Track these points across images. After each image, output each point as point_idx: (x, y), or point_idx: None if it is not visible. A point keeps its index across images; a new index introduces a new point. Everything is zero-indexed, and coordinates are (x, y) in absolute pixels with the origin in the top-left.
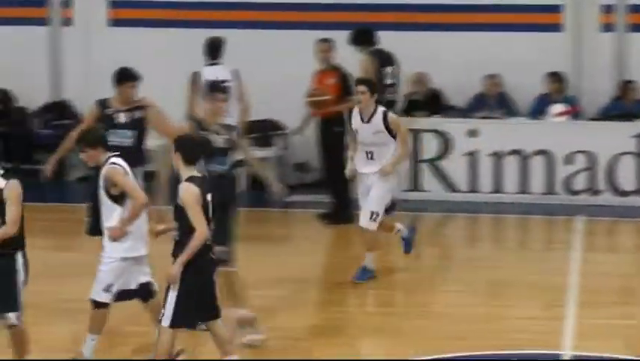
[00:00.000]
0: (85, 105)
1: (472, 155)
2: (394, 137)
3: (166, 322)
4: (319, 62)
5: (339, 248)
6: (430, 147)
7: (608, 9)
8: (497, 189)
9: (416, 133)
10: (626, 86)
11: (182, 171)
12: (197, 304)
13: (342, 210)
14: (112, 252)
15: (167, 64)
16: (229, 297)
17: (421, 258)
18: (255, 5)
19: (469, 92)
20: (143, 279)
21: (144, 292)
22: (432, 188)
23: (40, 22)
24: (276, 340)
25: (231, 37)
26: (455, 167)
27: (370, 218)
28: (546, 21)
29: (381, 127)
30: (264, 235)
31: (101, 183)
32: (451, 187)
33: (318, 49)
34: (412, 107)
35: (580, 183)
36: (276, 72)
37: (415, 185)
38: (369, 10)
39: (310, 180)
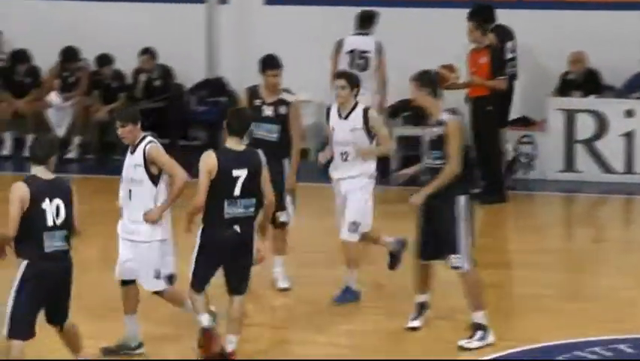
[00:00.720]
0: (240, 83)
1: (628, 136)
2: (372, 137)
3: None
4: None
5: (490, 228)
6: (585, 127)
7: None
8: None
9: (571, 113)
10: None
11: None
12: (205, 270)
13: (495, 189)
14: (151, 236)
15: (321, 42)
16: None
17: (575, 239)
18: None
19: (626, 72)
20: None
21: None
22: (586, 169)
23: None
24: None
25: (389, 15)
26: (611, 148)
27: (350, 229)
28: None
29: (360, 124)
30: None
31: (140, 161)
32: (606, 168)
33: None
34: (567, 87)
35: None
36: (429, 51)
37: (570, 166)
38: None
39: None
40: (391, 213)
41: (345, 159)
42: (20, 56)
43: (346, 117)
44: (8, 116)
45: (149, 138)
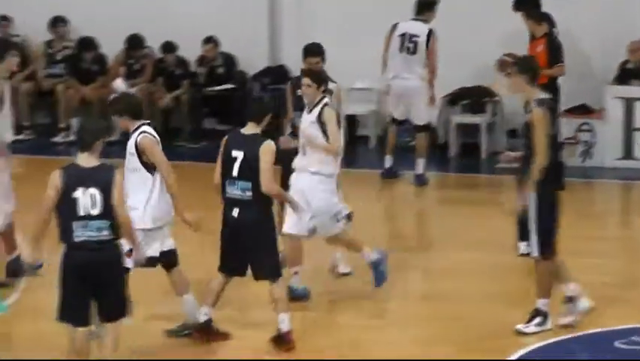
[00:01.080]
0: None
1: None
2: (325, 133)
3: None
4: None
5: None
6: None
7: None
8: None
9: (630, 101)
10: None
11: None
12: (223, 254)
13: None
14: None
15: (381, 29)
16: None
17: (633, 227)
18: None
19: None
20: (166, 247)
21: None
22: None
23: None
24: (482, 303)
25: (449, 4)
26: None
27: (336, 220)
28: None
29: (315, 118)
30: (474, 200)
31: (133, 150)
32: None
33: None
34: (626, 75)
35: None
36: (488, 39)
37: (628, 153)
38: None
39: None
40: (449, 199)
41: (304, 153)
42: (87, 44)
43: (310, 111)
44: (75, 102)
45: (143, 128)
